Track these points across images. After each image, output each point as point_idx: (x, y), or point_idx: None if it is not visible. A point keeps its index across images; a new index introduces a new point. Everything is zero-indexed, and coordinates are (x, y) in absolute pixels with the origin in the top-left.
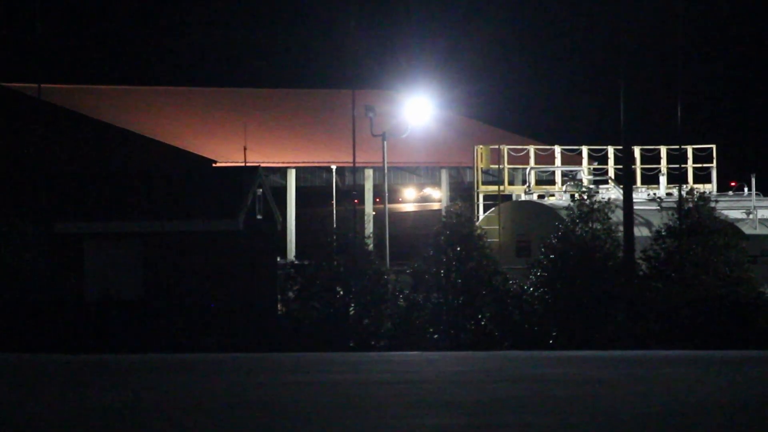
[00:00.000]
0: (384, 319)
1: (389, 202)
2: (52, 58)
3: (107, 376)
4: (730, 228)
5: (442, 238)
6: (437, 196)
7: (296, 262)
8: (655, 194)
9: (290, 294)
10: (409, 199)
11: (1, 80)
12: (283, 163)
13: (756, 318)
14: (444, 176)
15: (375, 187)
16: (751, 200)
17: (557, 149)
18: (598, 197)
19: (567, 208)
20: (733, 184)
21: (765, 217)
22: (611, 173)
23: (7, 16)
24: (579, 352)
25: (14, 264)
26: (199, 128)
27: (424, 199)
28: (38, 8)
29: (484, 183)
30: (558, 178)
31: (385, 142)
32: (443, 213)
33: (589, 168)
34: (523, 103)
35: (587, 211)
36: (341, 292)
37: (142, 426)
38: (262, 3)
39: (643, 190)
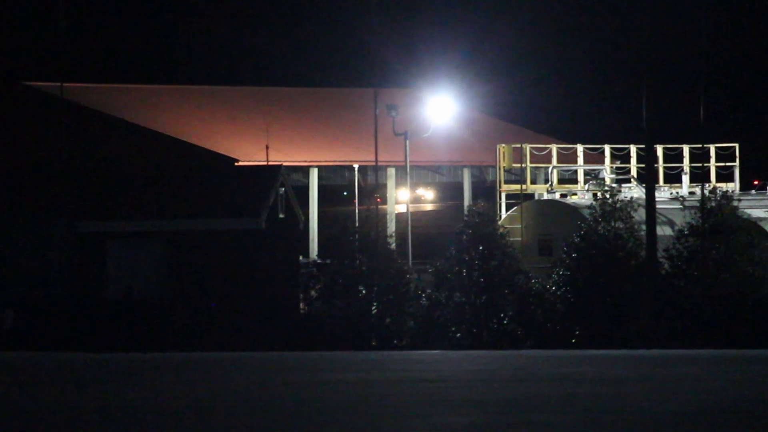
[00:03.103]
0: (406, 318)
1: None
2: (75, 57)
3: (125, 375)
4: (753, 227)
5: (465, 237)
6: (430, 197)
7: (318, 261)
8: (677, 193)
9: (312, 293)
10: (402, 200)
11: (24, 79)
12: (305, 161)
13: None
14: (466, 175)
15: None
16: None
17: (580, 148)
18: (621, 196)
19: (589, 207)
20: (756, 182)
21: None
22: (634, 172)
23: (32, 15)
24: (601, 351)
25: (38, 263)
26: (221, 127)
27: (416, 200)
28: (62, 7)
29: (507, 182)
30: (580, 176)
31: (408, 141)
32: (465, 212)
33: (612, 167)
34: (545, 101)
35: (610, 210)
36: (363, 291)
37: (158, 425)
38: (286, 1)
39: (666, 189)
